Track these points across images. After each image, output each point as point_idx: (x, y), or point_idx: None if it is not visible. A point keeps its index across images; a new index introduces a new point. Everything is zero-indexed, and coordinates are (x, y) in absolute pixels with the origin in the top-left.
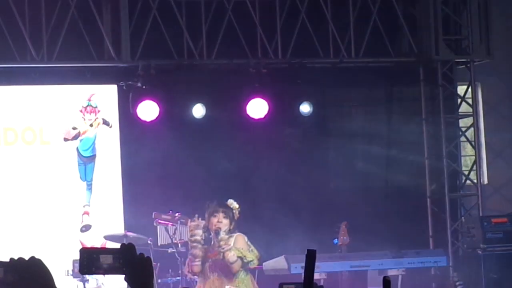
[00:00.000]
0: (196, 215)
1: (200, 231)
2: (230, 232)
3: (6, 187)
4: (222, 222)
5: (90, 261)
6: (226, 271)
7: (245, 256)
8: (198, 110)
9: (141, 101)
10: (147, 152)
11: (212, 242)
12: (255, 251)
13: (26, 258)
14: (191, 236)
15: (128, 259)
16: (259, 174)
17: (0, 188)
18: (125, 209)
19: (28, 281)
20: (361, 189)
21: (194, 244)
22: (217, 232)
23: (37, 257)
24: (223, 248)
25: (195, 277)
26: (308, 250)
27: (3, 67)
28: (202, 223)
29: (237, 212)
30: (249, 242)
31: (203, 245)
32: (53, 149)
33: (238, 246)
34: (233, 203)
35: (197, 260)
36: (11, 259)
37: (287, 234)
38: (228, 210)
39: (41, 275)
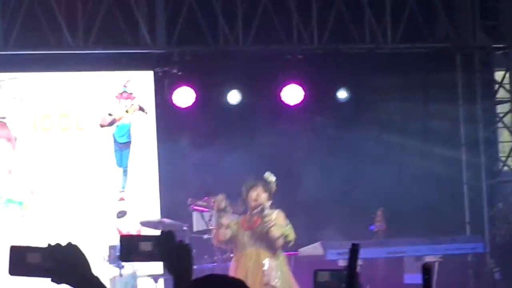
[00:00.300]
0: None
1: (225, 201)
2: (269, 207)
3: (42, 174)
4: (261, 196)
5: (129, 249)
6: (269, 246)
7: (287, 234)
8: (234, 96)
9: (177, 88)
10: (183, 138)
11: (249, 214)
12: (293, 231)
13: (63, 244)
14: (218, 207)
15: (167, 246)
16: (295, 160)
17: (36, 174)
18: (161, 195)
19: (65, 267)
20: (398, 175)
21: (222, 213)
22: (256, 206)
23: (74, 243)
24: (268, 224)
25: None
26: (353, 244)
27: (39, 53)
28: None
29: (274, 186)
30: (287, 221)
31: (234, 214)
32: (89, 135)
33: (279, 223)
34: (270, 176)
35: (223, 228)
36: (49, 245)
37: (323, 220)
38: (266, 184)
39: (78, 261)
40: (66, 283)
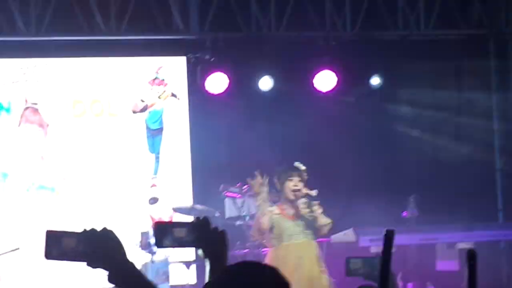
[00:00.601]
0: (256, 172)
1: (266, 188)
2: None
3: (74, 160)
4: (298, 185)
5: (164, 235)
6: (315, 233)
7: (329, 222)
8: (266, 83)
9: (209, 74)
10: (216, 124)
11: (288, 204)
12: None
13: (99, 229)
14: (258, 194)
15: (203, 232)
16: (327, 147)
17: (68, 160)
18: (193, 181)
19: (100, 252)
20: (430, 162)
21: (261, 202)
22: (298, 195)
23: (109, 228)
24: (317, 211)
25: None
26: (387, 230)
27: (71, 39)
28: (266, 179)
29: (305, 174)
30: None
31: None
32: (121, 121)
33: (322, 211)
34: (300, 165)
35: (266, 216)
36: (84, 229)
37: (355, 206)
38: (300, 173)
39: (113, 246)
40: (101, 268)
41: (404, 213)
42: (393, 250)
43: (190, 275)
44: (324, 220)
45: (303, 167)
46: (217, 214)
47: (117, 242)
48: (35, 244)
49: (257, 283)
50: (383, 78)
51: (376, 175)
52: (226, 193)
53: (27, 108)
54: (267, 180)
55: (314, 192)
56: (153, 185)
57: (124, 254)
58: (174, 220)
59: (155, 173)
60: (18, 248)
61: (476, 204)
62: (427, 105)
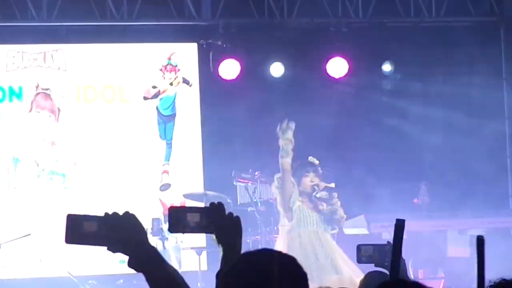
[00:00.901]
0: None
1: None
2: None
3: (85, 146)
4: (315, 181)
5: (178, 220)
6: (333, 226)
7: (345, 216)
8: (278, 69)
9: (221, 60)
10: (227, 110)
11: (306, 198)
12: None
13: (120, 213)
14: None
15: (217, 218)
16: (339, 133)
17: (79, 146)
18: (205, 167)
19: (121, 236)
20: (441, 149)
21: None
22: (314, 190)
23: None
24: (336, 204)
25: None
26: (397, 220)
27: (83, 25)
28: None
29: (319, 168)
30: None
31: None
32: (132, 107)
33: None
34: (314, 160)
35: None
36: (106, 213)
37: (366, 193)
38: (316, 168)
39: (134, 230)
40: (122, 252)
41: (416, 200)
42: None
43: (202, 262)
44: (342, 213)
45: (317, 162)
46: (228, 200)
47: (139, 227)
48: (46, 229)
49: (274, 272)
50: (395, 65)
51: (387, 162)
52: (237, 179)
53: (38, 93)
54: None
55: (333, 185)
56: (165, 172)
57: (146, 238)
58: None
59: (167, 159)
60: (29, 234)
61: (487, 190)
62: (438, 91)
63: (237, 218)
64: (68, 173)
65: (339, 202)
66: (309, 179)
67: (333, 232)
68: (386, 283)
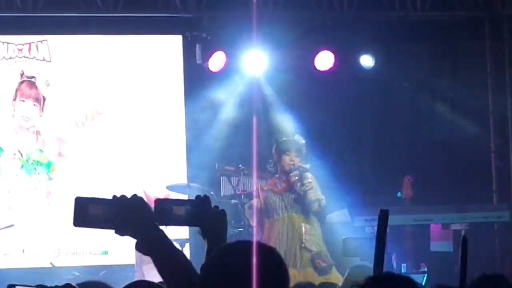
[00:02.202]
0: None
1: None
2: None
3: (68, 141)
4: (294, 161)
5: (163, 212)
6: (303, 209)
7: (322, 199)
8: (263, 61)
9: (207, 52)
10: (211, 103)
11: (278, 177)
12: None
13: (128, 196)
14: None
15: (203, 211)
16: (323, 126)
17: (62, 142)
18: (188, 159)
19: (129, 219)
20: (425, 143)
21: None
22: (292, 169)
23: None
24: (307, 186)
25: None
26: (381, 210)
27: (68, 16)
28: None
29: (304, 149)
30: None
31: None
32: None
33: (315, 187)
34: (300, 138)
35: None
36: (114, 196)
37: (350, 186)
38: (299, 148)
39: (142, 213)
40: (130, 236)
41: (399, 194)
42: (388, 230)
43: (185, 253)
44: (314, 195)
45: (302, 141)
46: (212, 193)
47: (146, 210)
48: (29, 220)
49: (254, 262)
50: (378, 59)
51: (370, 155)
52: (221, 171)
53: (23, 81)
54: None
55: (307, 166)
56: (148, 163)
57: (153, 222)
58: (169, 198)
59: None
60: (12, 225)
61: (471, 185)
62: (423, 86)
63: (223, 211)
64: (53, 164)
65: (311, 185)
66: (289, 158)
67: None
68: (375, 277)
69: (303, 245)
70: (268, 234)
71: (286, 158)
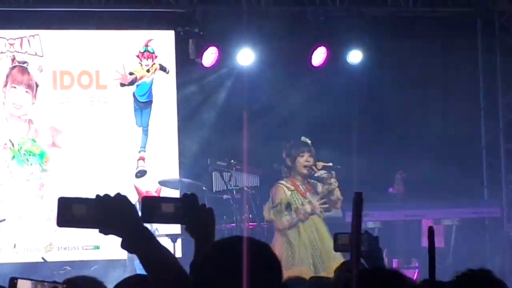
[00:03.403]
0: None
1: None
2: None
3: (62, 131)
4: (310, 161)
5: (151, 210)
6: (331, 207)
7: (341, 198)
8: (251, 56)
9: (199, 47)
10: (204, 98)
11: (298, 179)
12: None
13: (112, 195)
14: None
15: (191, 209)
16: (316, 121)
17: (56, 131)
18: (181, 154)
19: (113, 218)
20: (416, 139)
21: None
22: (312, 170)
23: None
24: (333, 185)
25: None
26: (355, 193)
27: (61, 10)
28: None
29: (312, 148)
30: None
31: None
32: (109, 93)
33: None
34: (307, 140)
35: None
36: (97, 195)
37: (342, 182)
38: (310, 148)
39: (127, 211)
40: (115, 234)
41: (391, 190)
42: (380, 226)
43: (177, 249)
44: (339, 194)
45: (309, 141)
46: (204, 188)
47: (131, 208)
48: (21, 214)
49: (246, 259)
50: (370, 54)
51: (362, 151)
52: (213, 166)
53: (14, 67)
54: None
55: (330, 164)
56: (141, 158)
57: (138, 220)
58: (161, 193)
59: (143, 146)
60: (4, 220)
61: (462, 181)
62: (415, 81)
63: (210, 209)
64: (46, 154)
65: (337, 183)
66: (305, 159)
67: (326, 214)
68: (364, 270)
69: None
70: (299, 237)
71: (301, 160)
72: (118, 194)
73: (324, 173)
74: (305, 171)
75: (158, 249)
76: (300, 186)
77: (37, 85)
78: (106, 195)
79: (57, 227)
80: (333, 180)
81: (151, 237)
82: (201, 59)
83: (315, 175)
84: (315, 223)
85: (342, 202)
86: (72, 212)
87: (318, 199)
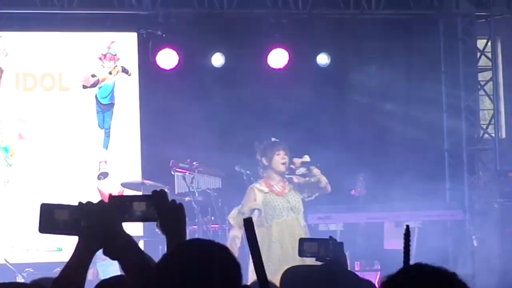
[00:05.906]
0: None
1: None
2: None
3: (24, 133)
4: (285, 158)
5: (123, 209)
6: (322, 192)
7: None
8: (218, 59)
9: (160, 49)
10: (166, 100)
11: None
12: None
13: (94, 202)
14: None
15: (161, 205)
16: (277, 124)
17: (18, 133)
18: (143, 157)
19: (95, 225)
20: (379, 141)
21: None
22: (286, 168)
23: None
24: (317, 176)
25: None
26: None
27: (23, 12)
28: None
29: (285, 146)
30: None
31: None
32: (71, 96)
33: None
34: (275, 139)
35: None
36: (80, 203)
37: None
38: (284, 146)
39: (109, 219)
40: (97, 241)
41: (353, 192)
42: (341, 228)
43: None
44: (325, 178)
45: (277, 140)
46: (166, 190)
47: (113, 215)
48: None
49: (206, 263)
50: (333, 57)
51: (325, 153)
52: (175, 168)
53: None
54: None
55: (307, 158)
56: (103, 160)
57: (120, 227)
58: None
59: (105, 148)
60: None
61: (424, 183)
62: (377, 84)
63: (181, 205)
64: (11, 148)
65: (319, 171)
66: (281, 157)
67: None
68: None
69: None
70: (277, 235)
71: (277, 158)
72: (101, 201)
73: (305, 170)
74: (283, 168)
75: (139, 257)
76: (275, 186)
77: (2, 71)
78: (89, 203)
79: (19, 227)
80: (315, 171)
81: (133, 244)
82: (162, 61)
83: (296, 172)
84: (297, 223)
85: (329, 185)
86: (54, 218)
87: (304, 196)
